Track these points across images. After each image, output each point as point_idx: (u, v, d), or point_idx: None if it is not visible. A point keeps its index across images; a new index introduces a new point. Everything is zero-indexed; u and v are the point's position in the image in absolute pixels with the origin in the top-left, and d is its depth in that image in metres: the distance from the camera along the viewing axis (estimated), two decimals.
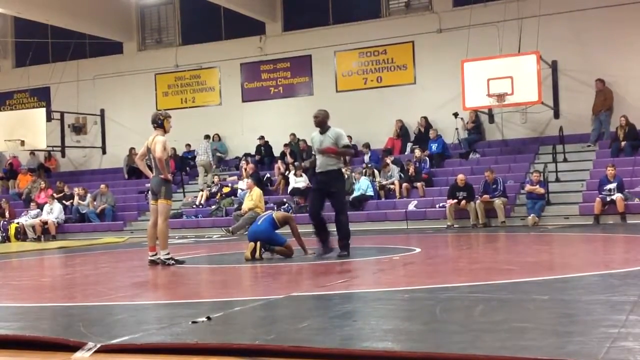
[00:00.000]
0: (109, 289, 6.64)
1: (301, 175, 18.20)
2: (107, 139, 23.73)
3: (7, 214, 20.16)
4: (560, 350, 3.18)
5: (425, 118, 19.26)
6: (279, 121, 20.92)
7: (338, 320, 4.25)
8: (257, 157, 20.79)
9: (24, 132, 20.75)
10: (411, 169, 17.54)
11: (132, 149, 21.47)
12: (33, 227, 19.00)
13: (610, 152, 16.80)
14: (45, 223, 19.13)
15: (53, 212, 19.41)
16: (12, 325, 4.63)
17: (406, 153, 19.19)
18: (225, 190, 19.20)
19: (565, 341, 3.40)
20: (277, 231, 9.08)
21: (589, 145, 17.50)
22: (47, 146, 21.92)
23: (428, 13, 19.88)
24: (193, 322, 4.15)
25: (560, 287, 5.49)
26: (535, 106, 16.96)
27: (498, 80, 15.92)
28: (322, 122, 8.92)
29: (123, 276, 8.13)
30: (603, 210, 14.74)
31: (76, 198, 20.05)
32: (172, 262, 8.44)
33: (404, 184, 17.36)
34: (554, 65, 18.02)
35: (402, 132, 19.64)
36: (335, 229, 8.84)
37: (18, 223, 19.21)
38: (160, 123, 8.69)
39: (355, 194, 17.27)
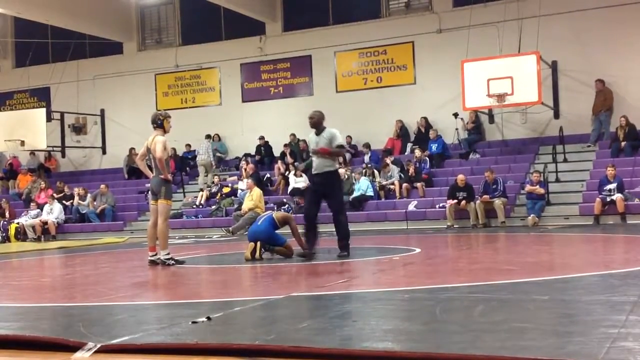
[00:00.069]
0: (109, 289, 6.64)
1: (301, 176, 18.20)
2: (107, 139, 23.74)
3: (7, 214, 20.16)
4: (560, 351, 3.18)
5: (425, 118, 19.26)
6: (279, 121, 20.92)
7: (338, 320, 4.25)
8: (257, 157, 20.80)
9: (24, 132, 20.75)
10: (411, 169, 17.54)
11: (132, 149, 21.48)
12: (33, 227, 19.00)
13: (610, 153, 16.80)
14: (45, 223, 19.13)
15: (53, 212, 19.41)
16: (12, 325, 4.63)
17: (406, 153, 19.19)
18: (225, 190, 19.21)
19: (565, 341, 3.40)
20: (277, 231, 9.09)
21: (589, 146, 17.50)
22: (47, 146, 21.92)
23: (428, 13, 19.88)
24: (193, 322, 4.16)
25: (560, 288, 5.49)
26: (535, 106, 16.96)
27: (498, 81, 15.92)
28: (317, 123, 8.91)
29: (123, 276, 8.13)
30: (603, 211, 14.74)
31: (76, 198, 20.06)
32: (172, 262, 8.44)
33: (404, 184, 17.36)
34: (554, 66, 18.02)
35: (402, 132, 19.64)
36: (334, 230, 8.85)
37: (18, 223, 19.21)
38: (160, 123, 8.69)
39: (355, 194, 17.27)
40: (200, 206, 19.17)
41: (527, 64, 15.96)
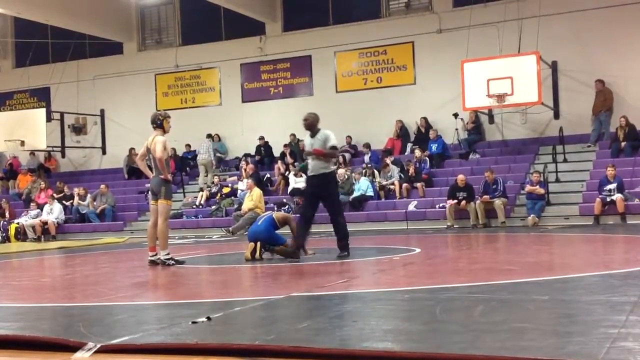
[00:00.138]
0: (109, 289, 6.64)
1: (301, 176, 18.18)
2: (107, 139, 23.74)
3: (7, 214, 20.16)
4: (560, 351, 3.18)
5: (425, 118, 19.25)
6: (279, 121, 20.91)
7: (338, 321, 4.25)
8: (257, 158, 20.80)
9: (24, 132, 20.75)
10: (411, 170, 17.54)
11: (132, 149, 21.48)
12: (33, 227, 19.00)
13: (610, 153, 16.80)
14: (45, 223, 19.13)
15: (53, 213, 19.41)
16: (12, 325, 4.63)
17: (406, 153, 19.19)
18: (225, 190, 19.21)
19: (565, 341, 3.40)
20: (277, 231, 9.09)
21: (589, 146, 17.50)
22: (47, 146, 21.92)
23: (428, 13, 19.88)
24: (193, 323, 4.16)
25: (560, 288, 5.49)
26: (535, 106, 16.95)
27: (498, 81, 15.92)
28: (311, 125, 8.92)
29: (123, 276, 8.13)
30: (603, 211, 14.74)
31: (76, 198, 20.06)
32: (172, 262, 8.44)
33: (404, 185, 17.36)
34: (554, 66, 18.02)
35: (402, 132, 19.64)
36: (333, 231, 8.85)
37: (18, 223, 19.21)
38: (159, 123, 8.69)
39: (355, 194, 17.27)
40: (200, 206, 19.17)
41: (527, 64, 15.96)
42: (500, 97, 15.98)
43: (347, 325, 4.10)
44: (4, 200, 20.93)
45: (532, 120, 18.37)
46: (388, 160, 18.11)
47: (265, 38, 21.51)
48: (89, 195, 20.01)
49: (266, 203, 17.02)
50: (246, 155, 20.90)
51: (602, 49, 17.83)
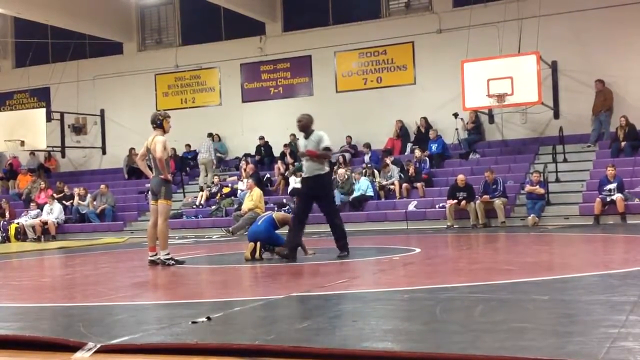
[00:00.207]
0: (109, 289, 6.64)
1: (299, 176, 18.19)
2: (107, 139, 23.74)
3: (7, 214, 20.16)
4: (560, 351, 3.18)
5: (425, 118, 19.25)
6: (279, 121, 20.89)
7: (338, 320, 4.25)
8: (257, 158, 20.80)
9: (24, 132, 20.75)
10: (411, 170, 17.54)
11: (132, 149, 21.49)
12: (33, 227, 19.00)
13: (610, 153, 16.80)
14: (45, 223, 19.13)
15: (53, 213, 19.41)
16: (12, 325, 4.63)
17: (406, 153, 19.19)
18: (225, 190, 19.20)
19: (565, 341, 3.40)
20: (277, 231, 9.10)
21: (589, 146, 17.50)
22: (47, 146, 21.92)
23: (428, 13, 19.88)
24: (193, 322, 4.16)
25: (560, 288, 5.50)
26: (535, 106, 16.96)
27: (498, 81, 15.92)
28: (305, 126, 8.89)
29: (123, 276, 8.13)
30: (603, 211, 14.74)
31: (76, 198, 20.06)
32: (172, 262, 8.44)
33: (404, 184, 17.36)
34: (554, 66, 18.02)
35: (402, 132, 19.64)
36: (331, 232, 8.85)
37: (18, 223, 19.21)
38: (159, 123, 8.70)
39: (355, 194, 17.27)
40: (200, 206, 19.17)
41: (527, 64, 15.96)
42: (500, 97, 15.98)
43: (347, 325, 4.10)
44: (4, 200, 20.93)
45: (532, 120, 18.37)
46: (388, 160, 18.11)
47: (265, 38, 21.51)
48: (89, 195, 20.01)
49: (266, 203, 17.02)
50: (246, 155, 20.90)
51: (602, 49, 17.83)
